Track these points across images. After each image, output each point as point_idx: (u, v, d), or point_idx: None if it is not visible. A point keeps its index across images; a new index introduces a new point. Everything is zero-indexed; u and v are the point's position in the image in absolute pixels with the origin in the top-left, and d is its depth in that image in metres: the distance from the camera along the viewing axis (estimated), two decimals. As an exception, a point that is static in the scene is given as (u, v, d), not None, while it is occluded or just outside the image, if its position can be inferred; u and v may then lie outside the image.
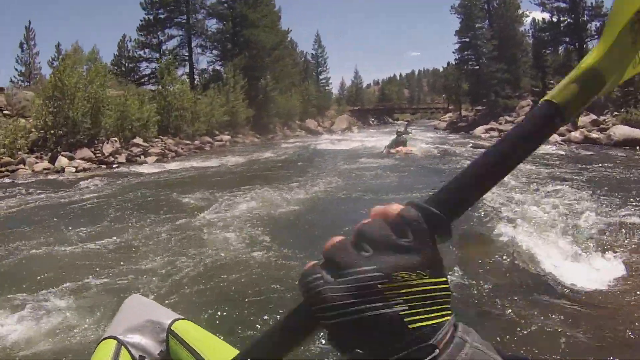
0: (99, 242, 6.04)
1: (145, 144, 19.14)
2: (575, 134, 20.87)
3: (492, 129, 31.50)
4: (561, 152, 16.66)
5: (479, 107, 42.55)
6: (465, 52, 41.79)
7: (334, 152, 19.80)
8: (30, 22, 32.45)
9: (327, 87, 64.67)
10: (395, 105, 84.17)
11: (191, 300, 4.24)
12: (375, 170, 12.98)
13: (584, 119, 24.60)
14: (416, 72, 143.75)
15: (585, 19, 32.80)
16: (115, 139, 18.40)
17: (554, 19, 35.08)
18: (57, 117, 17.12)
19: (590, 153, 16.41)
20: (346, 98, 76.57)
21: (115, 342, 1.60)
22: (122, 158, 17.45)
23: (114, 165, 16.22)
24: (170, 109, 23.29)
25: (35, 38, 32.46)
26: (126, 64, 37.07)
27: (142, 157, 18.01)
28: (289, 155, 19.28)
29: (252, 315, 3.90)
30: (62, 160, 15.42)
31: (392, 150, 17.36)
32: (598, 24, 31.82)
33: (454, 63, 47.61)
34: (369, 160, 16.13)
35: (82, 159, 16.26)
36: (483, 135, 29.91)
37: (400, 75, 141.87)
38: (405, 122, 59.75)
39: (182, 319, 1.73)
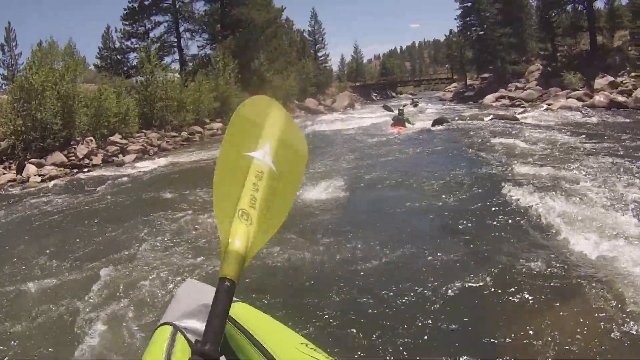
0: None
1: (123, 140, 17.42)
2: (599, 98, 19.01)
3: (502, 97, 29.62)
4: (593, 120, 14.98)
5: (485, 75, 40.76)
6: (468, 18, 39.72)
7: (332, 136, 17.99)
8: (9, 23, 30.33)
9: (326, 65, 63.00)
10: (397, 79, 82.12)
11: (250, 284, 4.23)
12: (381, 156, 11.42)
13: (600, 81, 22.74)
14: (417, 44, 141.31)
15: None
16: (91, 138, 16.73)
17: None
18: (25, 120, 15.46)
19: (624, 119, 14.66)
20: (347, 75, 74.62)
21: (171, 328, 1.51)
22: (98, 159, 15.80)
23: (85, 169, 14.52)
24: (153, 99, 21.50)
25: (17, 39, 30.52)
26: (112, 57, 35.22)
27: (120, 156, 16.35)
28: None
29: (312, 301, 3.84)
30: (30, 169, 13.76)
31: (391, 129, 16.97)
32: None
33: (456, 30, 45.69)
34: (373, 140, 14.78)
35: (54, 164, 14.61)
36: (494, 104, 28.04)
37: (401, 48, 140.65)
38: (410, 97, 59.79)
39: (239, 301, 1.60)
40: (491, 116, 17.70)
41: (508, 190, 6.37)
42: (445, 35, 60.16)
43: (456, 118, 18.36)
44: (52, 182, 12.63)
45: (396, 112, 18.73)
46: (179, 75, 26.79)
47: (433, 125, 16.75)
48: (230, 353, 1.47)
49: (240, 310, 1.55)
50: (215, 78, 27.74)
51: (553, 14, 30.43)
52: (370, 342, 3.16)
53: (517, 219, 5.32)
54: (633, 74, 22.50)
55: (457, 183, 7.34)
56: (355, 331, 3.30)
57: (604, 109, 17.63)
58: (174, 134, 20.74)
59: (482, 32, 37.96)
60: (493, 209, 5.78)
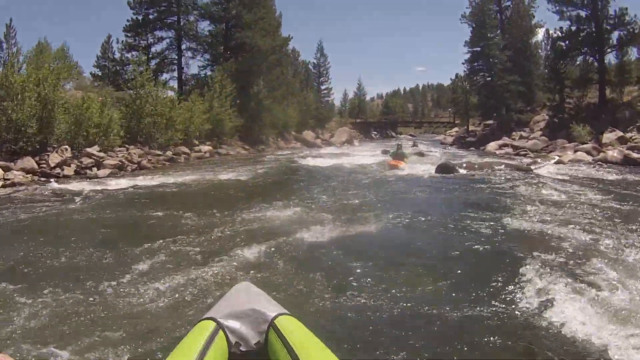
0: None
1: (100, 153, 16.14)
2: (613, 154, 17.88)
3: (505, 145, 28.63)
4: (613, 177, 13.69)
5: (488, 122, 40.11)
6: (476, 63, 39.08)
7: (319, 170, 16.98)
8: (11, 20, 29.44)
9: (328, 98, 62.73)
10: (398, 119, 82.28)
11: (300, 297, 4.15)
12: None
13: (608, 135, 21.80)
14: (420, 87, 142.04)
15: (607, 27, 29.76)
16: (67, 147, 15.48)
17: (573, 28, 32.18)
18: (1, 120, 14.31)
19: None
20: (348, 111, 74.37)
21: (215, 324, 1.65)
22: (70, 170, 14.53)
23: (52, 180, 13.21)
24: (141, 114, 20.33)
25: (17, 36, 29.50)
26: (110, 67, 34.35)
27: (94, 169, 15.04)
28: (262, 173, 16.40)
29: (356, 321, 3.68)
30: (-4, 172, 12.53)
31: (390, 163, 16.87)
32: (621, 33, 28.84)
33: (463, 75, 45.29)
34: (366, 181, 13.52)
35: (23, 169, 13.40)
36: (497, 152, 27.02)
37: (405, 89, 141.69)
38: (410, 137, 59.25)
39: (287, 314, 1.75)
40: (503, 165, 16.30)
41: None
42: (450, 79, 59.92)
43: (464, 164, 16.51)
44: (14, 189, 11.57)
45: (394, 147, 19.10)
46: (173, 93, 25.80)
47: (437, 171, 14.72)
48: None
49: (286, 322, 1.68)
50: (210, 99, 26.66)
51: (563, 65, 29.65)
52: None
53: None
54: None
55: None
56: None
57: (619, 165, 16.48)
58: (158, 152, 19.47)
59: (490, 78, 37.21)
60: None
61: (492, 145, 29.10)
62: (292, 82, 43.78)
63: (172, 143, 21.16)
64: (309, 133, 40.80)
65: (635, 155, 17.06)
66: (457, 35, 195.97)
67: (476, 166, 16.23)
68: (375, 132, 67.20)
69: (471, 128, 45.23)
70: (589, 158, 18.50)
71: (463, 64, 41.09)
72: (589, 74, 28.52)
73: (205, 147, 23.30)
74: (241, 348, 1.70)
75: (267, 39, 34.06)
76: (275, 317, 1.71)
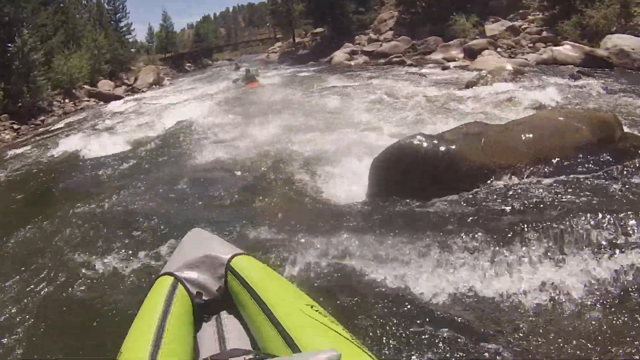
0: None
1: None
2: (568, 52, 13.56)
3: (355, 52, 23.48)
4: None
5: (317, 31, 35.99)
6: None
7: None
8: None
9: (129, 36, 52.53)
10: (212, 45, 75.18)
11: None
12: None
13: (492, 27, 18.20)
14: (230, 10, 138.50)
15: None
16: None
17: None
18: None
19: None
20: (156, 47, 64.43)
21: (172, 278, 1.62)
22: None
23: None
24: None
25: None
26: None
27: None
28: None
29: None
30: None
31: (245, 85, 17.53)
32: None
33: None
34: None
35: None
36: (352, 63, 21.68)
37: (215, 14, 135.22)
38: (228, 62, 53.42)
39: (243, 254, 1.72)
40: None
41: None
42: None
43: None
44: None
45: (243, 73, 19.73)
46: None
47: None
48: (231, 305, 1.59)
49: (242, 262, 1.64)
50: None
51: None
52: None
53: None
54: (539, 15, 18.04)
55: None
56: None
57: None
58: None
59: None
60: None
61: (339, 55, 23.84)
62: (76, 24, 33.83)
63: None
64: (107, 83, 31.66)
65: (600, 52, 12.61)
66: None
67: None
68: (190, 64, 59.30)
69: (297, 40, 40.37)
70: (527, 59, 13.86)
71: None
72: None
73: None
74: (203, 297, 1.65)
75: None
76: (231, 258, 1.67)
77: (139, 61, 46.39)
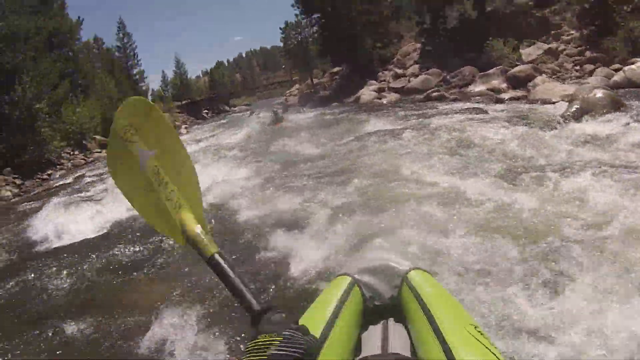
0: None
1: None
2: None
3: (382, 90, 21.83)
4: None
5: (334, 70, 34.31)
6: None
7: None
8: None
9: (142, 84, 52.24)
10: (229, 90, 75.74)
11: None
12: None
13: (529, 51, 16.52)
14: (244, 55, 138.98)
15: None
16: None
17: None
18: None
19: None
20: (172, 94, 64.11)
21: (350, 279, 1.65)
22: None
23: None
24: None
25: None
26: None
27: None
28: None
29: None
30: None
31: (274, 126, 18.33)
32: None
33: (294, 21, 38.94)
34: None
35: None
36: (384, 102, 19.97)
37: (228, 60, 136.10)
38: (245, 108, 52.68)
39: (419, 269, 1.70)
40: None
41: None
42: (280, 27, 50.39)
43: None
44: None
45: (272, 115, 19.95)
46: None
47: None
48: (399, 313, 1.57)
49: (418, 276, 1.61)
50: None
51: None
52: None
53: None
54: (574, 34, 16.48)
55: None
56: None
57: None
58: None
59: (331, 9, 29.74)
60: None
61: (367, 94, 22.13)
62: (87, 72, 33.04)
63: None
64: (118, 133, 30.50)
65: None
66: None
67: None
68: (207, 111, 58.41)
69: (315, 81, 39.24)
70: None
71: (292, 6, 34.09)
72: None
73: None
74: (375, 302, 1.66)
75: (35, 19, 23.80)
76: (408, 271, 1.65)
77: (155, 108, 45.70)
